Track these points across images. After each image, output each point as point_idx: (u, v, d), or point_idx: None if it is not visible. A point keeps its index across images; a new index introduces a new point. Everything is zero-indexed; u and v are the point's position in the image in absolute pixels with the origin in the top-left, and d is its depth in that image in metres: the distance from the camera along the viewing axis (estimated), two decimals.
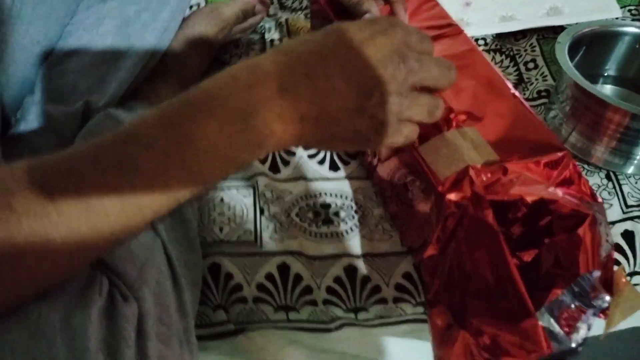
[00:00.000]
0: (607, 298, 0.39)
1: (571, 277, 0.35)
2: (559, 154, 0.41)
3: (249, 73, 0.36)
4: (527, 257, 0.37)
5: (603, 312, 0.40)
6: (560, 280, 0.35)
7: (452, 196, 0.39)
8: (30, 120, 0.56)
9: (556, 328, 0.39)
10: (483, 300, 0.37)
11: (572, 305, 0.39)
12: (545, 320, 0.36)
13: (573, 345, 0.40)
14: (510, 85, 0.47)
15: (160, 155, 0.34)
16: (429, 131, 0.43)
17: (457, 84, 0.41)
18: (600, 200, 0.41)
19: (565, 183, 0.41)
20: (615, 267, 0.40)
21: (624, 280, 0.40)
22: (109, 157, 0.33)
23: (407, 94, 0.38)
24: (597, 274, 0.36)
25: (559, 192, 0.39)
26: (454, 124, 0.44)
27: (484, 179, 0.39)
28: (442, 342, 0.39)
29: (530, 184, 0.39)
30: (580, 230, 0.36)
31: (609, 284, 0.40)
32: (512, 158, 0.40)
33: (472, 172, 0.39)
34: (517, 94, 0.47)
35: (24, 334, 0.32)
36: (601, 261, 0.37)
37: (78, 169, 0.33)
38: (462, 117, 0.44)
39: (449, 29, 0.53)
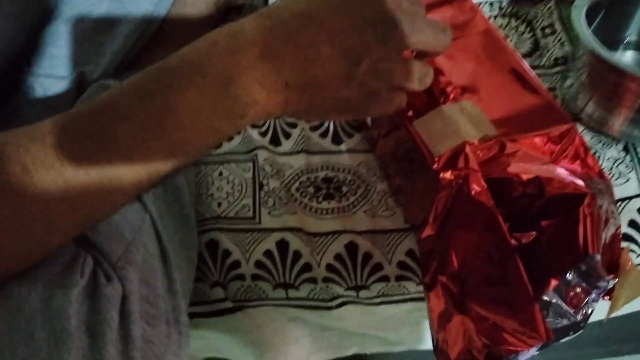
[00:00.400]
0: (612, 280, 0.37)
1: (571, 262, 0.33)
2: (564, 127, 0.38)
3: (230, 38, 0.34)
4: (526, 239, 0.35)
5: (608, 293, 0.38)
6: (560, 266, 0.33)
7: (447, 174, 0.37)
8: (25, 92, 0.55)
9: (562, 307, 0.37)
10: (482, 285, 0.35)
11: (578, 285, 0.37)
12: (547, 306, 0.34)
13: (578, 318, 0.38)
14: (517, 55, 0.44)
15: (138, 126, 0.33)
16: (426, 103, 0.41)
17: (457, 55, 0.38)
18: (607, 177, 0.38)
19: (569, 158, 0.38)
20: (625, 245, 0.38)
21: (630, 262, 0.38)
22: (86, 128, 0.33)
23: (398, 59, 0.36)
24: (597, 257, 0.34)
25: (561, 169, 0.37)
26: (452, 96, 0.41)
27: (481, 155, 0.37)
28: (440, 326, 0.37)
29: (530, 160, 0.37)
30: (579, 211, 0.34)
31: (614, 266, 0.38)
32: (512, 133, 0.38)
33: (468, 149, 0.37)
34: (523, 63, 0.44)
35: (4, 314, 0.31)
36: (604, 242, 0.35)
37: (55, 141, 0.32)
38: (460, 89, 0.42)
39: None
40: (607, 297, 0.39)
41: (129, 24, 0.58)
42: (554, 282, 0.33)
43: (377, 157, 0.54)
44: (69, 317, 0.32)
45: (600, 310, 0.39)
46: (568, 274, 0.34)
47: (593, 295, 0.38)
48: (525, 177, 0.35)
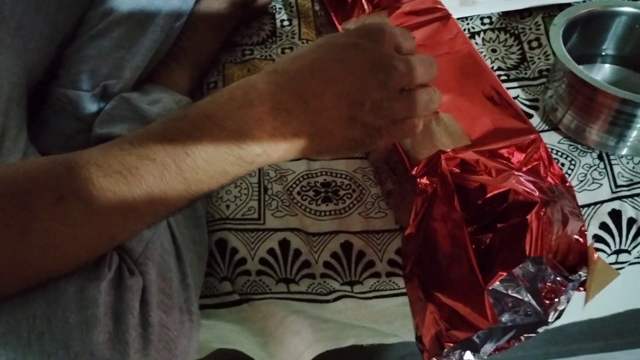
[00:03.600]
0: (584, 273, 0.42)
1: (515, 260, 0.38)
2: (530, 138, 0.43)
3: (244, 94, 0.39)
4: (485, 239, 0.40)
5: (582, 285, 0.43)
6: (506, 262, 0.38)
7: (424, 180, 0.42)
8: (53, 104, 0.60)
9: (532, 301, 0.41)
10: (445, 275, 0.40)
11: (553, 280, 0.42)
12: (499, 296, 0.39)
13: (549, 319, 0.43)
14: (491, 72, 0.49)
15: (160, 166, 0.37)
16: None
17: (439, 70, 0.44)
18: (568, 182, 0.43)
19: (533, 167, 0.43)
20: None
21: (595, 256, 0.42)
22: (115, 165, 0.37)
23: (398, 97, 0.40)
24: (542, 259, 0.39)
25: (524, 177, 0.42)
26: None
27: (453, 164, 0.42)
28: (416, 314, 0.43)
29: (497, 170, 0.42)
30: (528, 217, 0.39)
31: (584, 259, 0.43)
32: (482, 144, 0.43)
33: (442, 157, 0.42)
34: (495, 80, 0.49)
35: (43, 303, 0.36)
36: (551, 243, 0.40)
37: (88, 175, 0.37)
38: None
39: (439, 14, 0.55)
40: (581, 289, 0.44)
41: (147, 41, 0.63)
42: (501, 274, 0.38)
43: (371, 163, 0.59)
44: (99, 305, 0.37)
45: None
46: (516, 269, 0.38)
47: (568, 289, 0.42)
48: (490, 188, 0.40)
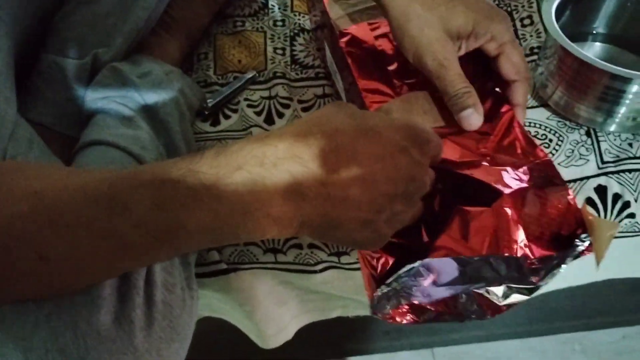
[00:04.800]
0: (585, 237, 0.42)
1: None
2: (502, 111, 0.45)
3: (258, 164, 0.32)
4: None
5: (587, 249, 0.43)
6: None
7: None
8: (42, 72, 0.60)
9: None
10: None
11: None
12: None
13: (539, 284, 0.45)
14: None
15: (150, 235, 0.33)
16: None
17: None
18: (545, 154, 0.45)
19: (508, 145, 0.45)
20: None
21: (590, 216, 0.43)
22: (99, 226, 0.32)
23: (414, 206, 0.38)
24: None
25: (505, 164, 0.43)
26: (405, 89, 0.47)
27: None
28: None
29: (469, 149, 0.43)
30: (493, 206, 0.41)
31: (581, 223, 0.43)
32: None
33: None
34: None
35: None
36: (564, 207, 0.42)
37: (73, 232, 0.32)
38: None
39: None
40: (587, 252, 0.43)
41: (138, 8, 0.62)
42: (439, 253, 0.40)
43: None
44: (105, 285, 0.37)
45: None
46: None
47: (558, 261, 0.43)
48: (457, 169, 0.42)
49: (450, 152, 0.44)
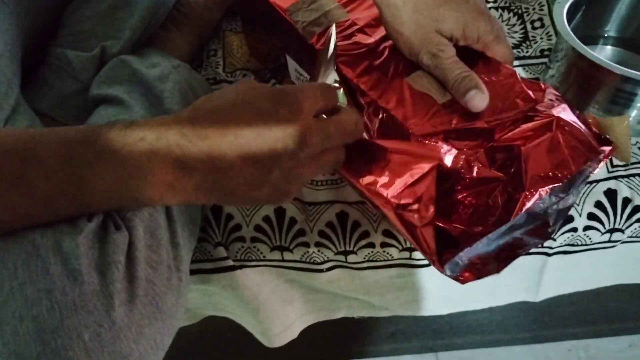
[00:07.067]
0: (605, 146, 0.43)
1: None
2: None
3: (155, 138, 0.37)
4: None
5: (606, 156, 0.44)
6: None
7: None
8: (51, 64, 0.60)
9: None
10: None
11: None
12: None
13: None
14: None
15: (57, 187, 0.36)
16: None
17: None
18: (544, 85, 0.45)
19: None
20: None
21: (605, 121, 0.46)
22: (11, 173, 0.36)
23: (310, 162, 0.40)
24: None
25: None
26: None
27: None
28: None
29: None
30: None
31: (605, 138, 0.44)
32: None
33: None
34: None
35: (23, 254, 0.37)
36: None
37: None
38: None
39: None
40: (606, 159, 0.44)
41: (146, 1, 0.62)
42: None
43: None
44: (78, 257, 0.37)
45: None
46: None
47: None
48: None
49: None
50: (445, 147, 0.42)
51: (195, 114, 0.39)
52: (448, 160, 0.42)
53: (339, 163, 0.43)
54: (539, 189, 0.40)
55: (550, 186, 0.40)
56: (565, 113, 0.43)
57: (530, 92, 0.45)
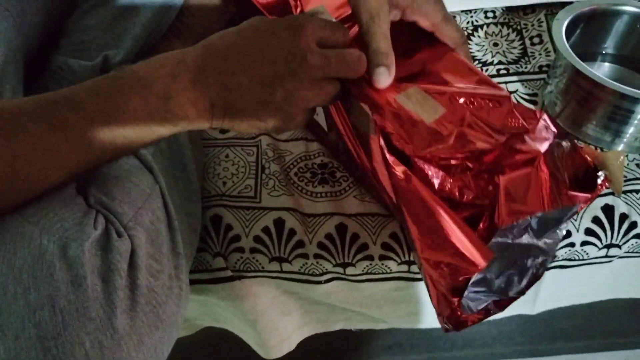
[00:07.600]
0: (600, 173, 0.47)
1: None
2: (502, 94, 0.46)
3: (174, 64, 0.42)
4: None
5: (601, 186, 0.47)
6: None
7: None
8: (53, 73, 0.60)
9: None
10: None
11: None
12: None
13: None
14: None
15: (87, 118, 0.40)
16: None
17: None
18: (539, 114, 0.45)
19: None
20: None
21: (595, 151, 0.46)
22: (43, 112, 0.39)
23: (311, 86, 0.43)
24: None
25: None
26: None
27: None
28: (426, 285, 0.43)
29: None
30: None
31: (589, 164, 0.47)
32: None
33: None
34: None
35: (29, 258, 0.37)
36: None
37: (19, 120, 0.39)
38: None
39: None
40: (601, 187, 0.48)
41: (149, 12, 0.63)
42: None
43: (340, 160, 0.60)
44: (83, 264, 0.37)
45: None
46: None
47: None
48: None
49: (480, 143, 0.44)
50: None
51: (206, 42, 0.44)
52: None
53: (338, 97, 0.46)
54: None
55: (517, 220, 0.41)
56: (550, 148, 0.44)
57: (523, 121, 0.45)
